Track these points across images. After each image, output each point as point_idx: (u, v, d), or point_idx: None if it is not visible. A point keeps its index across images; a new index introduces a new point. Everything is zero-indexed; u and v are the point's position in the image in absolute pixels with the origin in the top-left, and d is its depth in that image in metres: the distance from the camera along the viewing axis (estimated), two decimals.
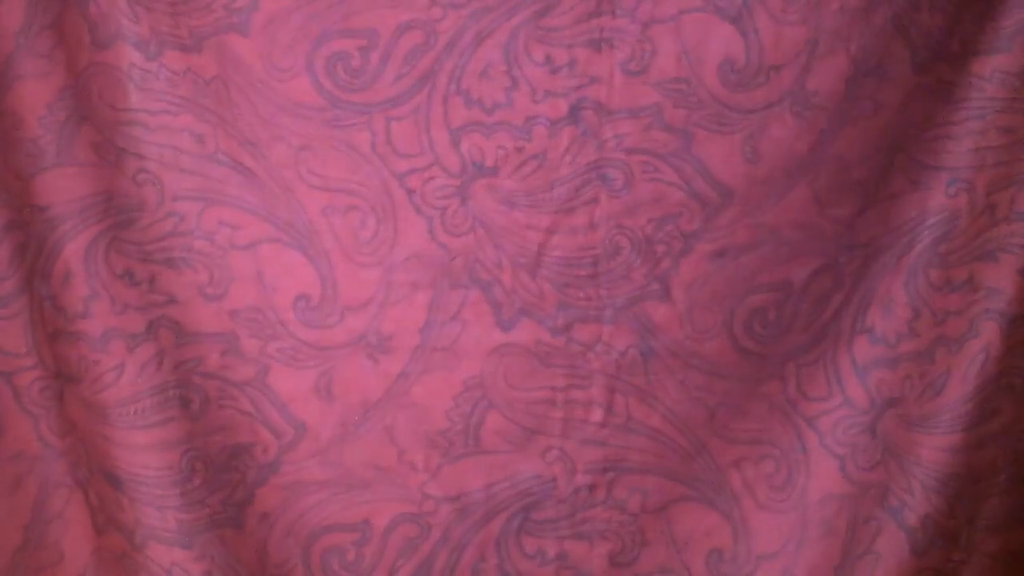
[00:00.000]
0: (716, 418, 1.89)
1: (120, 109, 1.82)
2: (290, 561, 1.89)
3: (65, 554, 1.87)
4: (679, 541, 1.92)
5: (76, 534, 1.87)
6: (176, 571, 1.85)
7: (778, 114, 1.81)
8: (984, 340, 1.85)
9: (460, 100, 1.81)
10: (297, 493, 1.88)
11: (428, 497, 1.88)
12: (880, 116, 1.83)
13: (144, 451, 1.83)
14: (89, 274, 1.83)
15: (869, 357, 1.87)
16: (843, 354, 1.88)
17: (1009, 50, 1.82)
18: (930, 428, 1.87)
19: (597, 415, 1.88)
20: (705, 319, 1.86)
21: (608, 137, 1.82)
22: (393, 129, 1.82)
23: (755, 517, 1.91)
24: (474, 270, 1.84)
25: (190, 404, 1.85)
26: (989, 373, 1.85)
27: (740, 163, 1.82)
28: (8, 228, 1.80)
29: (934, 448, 1.87)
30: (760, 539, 1.91)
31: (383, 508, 1.88)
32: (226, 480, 1.87)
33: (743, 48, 1.80)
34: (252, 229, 1.84)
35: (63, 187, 1.82)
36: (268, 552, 1.89)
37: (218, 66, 1.81)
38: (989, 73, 1.83)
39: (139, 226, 1.84)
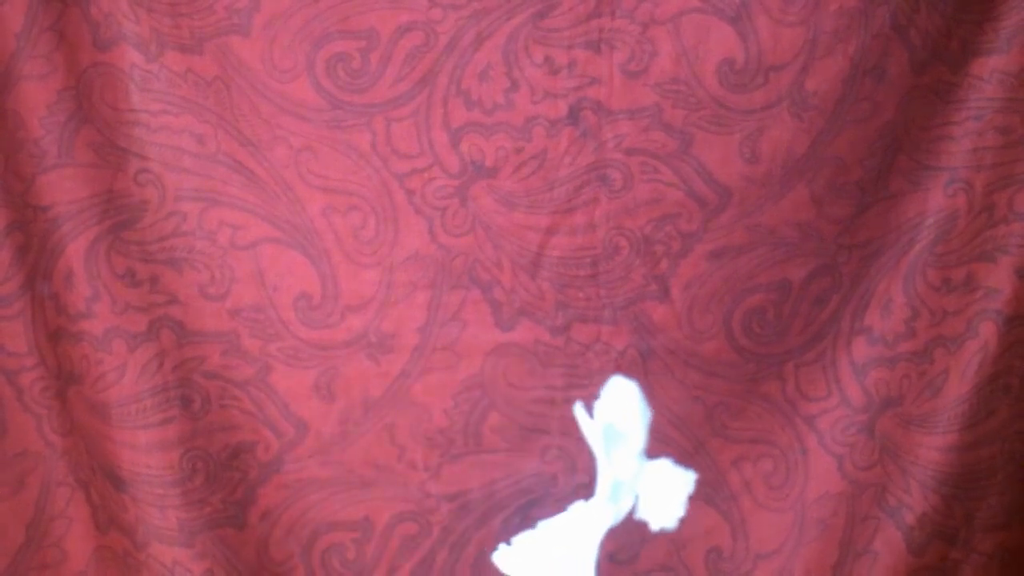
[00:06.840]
0: (715, 417, 1.89)
1: (121, 110, 1.83)
2: (291, 559, 1.89)
3: (67, 552, 1.88)
4: (678, 539, 1.92)
5: (78, 533, 1.88)
6: (178, 569, 1.86)
7: (777, 115, 1.81)
8: (982, 340, 1.85)
9: (460, 101, 1.81)
10: (298, 492, 1.88)
11: (428, 495, 1.89)
12: (878, 117, 1.83)
13: (145, 450, 1.84)
14: (91, 274, 1.83)
15: (867, 357, 1.88)
16: (842, 354, 1.89)
17: (1007, 51, 1.82)
18: (928, 428, 1.87)
19: None
20: (704, 319, 1.86)
21: (607, 138, 1.82)
22: (393, 130, 1.82)
23: (754, 516, 1.92)
24: (474, 270, 1.85)
25: (191, 403, 1.86)
26: (986, 373, 1.85)
27: (739, 164, 1.82)
28: (10, 228, 1.81)
29: (932, 447, 1.87)
30: (759, 538, 1.92)
31: (384, 506, 1.89)
32: (227, 479, 1.88)
33: (742, 49, 1.80)
34: (253, 229, 1.84)
35: (65, 187, 1.82)
36: (269, 550, 1.89)
37: (219, 67, 1.81)
38: (987, 74, 1.83)
39: (141, 226, 1.85)
